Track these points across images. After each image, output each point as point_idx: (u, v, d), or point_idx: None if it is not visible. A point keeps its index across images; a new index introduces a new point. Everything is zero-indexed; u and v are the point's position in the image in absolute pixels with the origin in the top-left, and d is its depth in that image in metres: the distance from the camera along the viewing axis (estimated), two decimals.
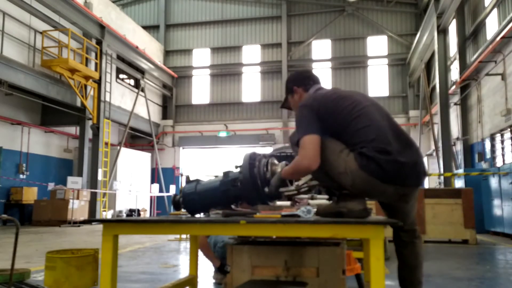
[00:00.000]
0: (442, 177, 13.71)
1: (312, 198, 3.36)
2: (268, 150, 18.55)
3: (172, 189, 19.26)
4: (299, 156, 2.12)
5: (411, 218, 2.43)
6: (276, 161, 2.45)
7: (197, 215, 2.53)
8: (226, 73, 21.50)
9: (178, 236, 8.93)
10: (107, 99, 15.75)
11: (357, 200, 2.10)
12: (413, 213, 2.43)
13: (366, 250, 2.03)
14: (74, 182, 13.27)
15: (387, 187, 2.09)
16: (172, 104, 21.62)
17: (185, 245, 7.69)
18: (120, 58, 17.70)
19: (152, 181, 19.69)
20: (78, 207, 13.45)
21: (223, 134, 20.55)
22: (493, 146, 12.35)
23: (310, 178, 2.36)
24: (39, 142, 15.08)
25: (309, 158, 2.09)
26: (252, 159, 2.39)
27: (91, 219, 14.21)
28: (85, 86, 14.57)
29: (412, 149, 2.17)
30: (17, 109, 13.89)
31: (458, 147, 14.73)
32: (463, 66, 14.02)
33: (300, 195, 2.58)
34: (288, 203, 2.73)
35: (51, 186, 14.06)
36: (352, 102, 2.23)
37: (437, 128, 14.80)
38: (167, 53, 22.17)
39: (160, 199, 19.37)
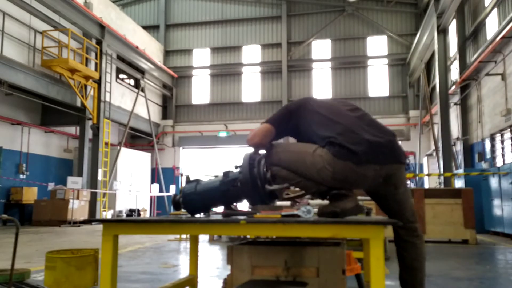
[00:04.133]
0: (442, 177, 13.70)
1: (312, 198, 3.36)
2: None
3: (172, 189, 19.26)
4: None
5: (408, 211, 2.40)
6: None
7: (197, 215, 2.53)
8: (226, 73, 21.51)
9: (178, 236, 8.93)
10: (107, 99, 15.75)
11: (349, 198, 2.11)
12: (408, 204, 2.40)
13: (366, 250, 2.03)
14: (74, 182, 13.27)
15: (366, 170, 2.10)
16: (172, 104, 21.63)
17: (185, 245, 7.69)
18: (120, 58, 17.70)
19: (152, 181, 19.70)
20: (78, 207, 13.45)
21: (223, 134, 20.55)
22: (493, 146, 12.35)
23: (302, 192, 2.41)
24: (39, 142, 15.08)
25: (250, 136, 2.35)
26: (252, 159, 2.39)
27: (91, 219, 14.11)
28: (85, 86, 14.58)
29: (384, 131, 2.23)
30: (17, 109, 13.89)
31: (458, 147, 14.73)
32: (463, 66, 14.02)
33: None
34: (288, 203, 2.73)
35: (51, 186, 14.06)
36: (321, 104, 2.36)
37: (437, 128, 14.80)
38: (167, 53, 22.17)
39: (160, 199, 19.37)
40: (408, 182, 12.66)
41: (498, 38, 10.85)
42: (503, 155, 11.69)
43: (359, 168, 2.09)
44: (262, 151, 2.35)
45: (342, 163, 2.08)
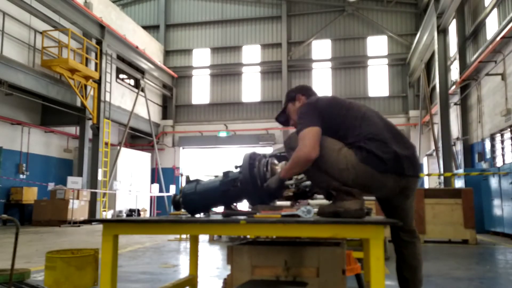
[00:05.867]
0: (442, 177, 13.71)
1: (312, 198, 3.36)
2: (268, 150, 18.54)
3: (172, 189, 19.26)
4: (298, 147, 2.15)
5: (411, 217, 2.45)
6: (276, 161, 2.45)
7: (197, 215, 2.53)
8: (226, 73, 21.51)
9: (178, 236, 8.93)
10: (107, 99, 15.75)
11: (354, 200, 2.11)
12: (412, 211, 2.45)
13: (366, 250, 2.03)
14: (74, 182, 13.27)
15: (387, 179, 2.14)
16: (172, 104, 21.63)
17: (185, 245, 7.69)
18: (120, 58, 17.70)
19: (152, 181, 19.70)
20: (78, 207, 13.45)
21: (223, 134, 20.55)
22: (493, 146, 12.35)
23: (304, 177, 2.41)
24: (39, 142, 15.08)
25: (308, 147, 2.11)
26: (252, 159, 2.39)
27: (91, 219, 14.22)
28: (85, 86, 14.57)
29: (407, 143, 2.27)
30: (17, 109, 13.89)
31: (458, 147, 14.73)
32: (463, 66, 14.02)
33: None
34: (288, 203, 2.73)
35: (51, 186, 14.06)
36: (350, 104, 2.34)
37: (437, 128, 14.80)
38: (167, 53, 22.18)
39: (160, 199, 19.37)
40: None
41: (498, 38, 10.84)
42: (503, 155, 11.68)
43: (382, 177, 2.12)
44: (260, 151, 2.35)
45: (367, 168, 2.10)
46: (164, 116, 21.71)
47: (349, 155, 2.12)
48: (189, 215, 2.54)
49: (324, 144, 2.16)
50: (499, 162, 11.81)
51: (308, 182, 2.43)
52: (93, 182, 14.73)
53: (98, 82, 15.16)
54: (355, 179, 2.12)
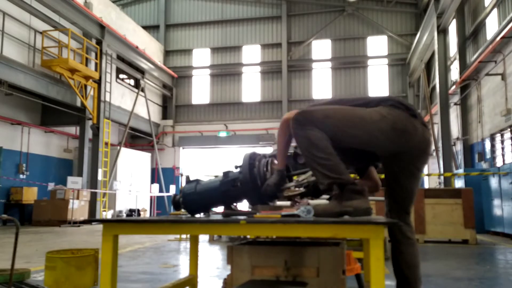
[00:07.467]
0: (442, 177, 13.71)
1: (312, 198, 3.35)
2: (268, 150, 18.54)
3: (172, 189, 19.26)
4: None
5: (411, 201, 2.42)
6: (276, 161, 2.44)
7: (197, 215, 2.53)
8: (226, 73, 21.51)
9: (178, 236, 8.93)
10: (107, 99, 15.75)
11: (362, 199, 2.08)
12: (414, 195, 2.41)
13: (366, 250, 2.03)
14: (74, 182, 13.27)
15: (417, 123, 2.20)
16: (172, 104, 21.64)
17: (185, 245, 7.69)
18: (120, 58, 17.70)
19: (152, 181, 19.69)
20: (78, 207, 13.45)
21: (223, 134, 20.55)
22: (493, 146, 12.35)
23: (311, 174, 2.37)
24: (39, 142, 15.08)
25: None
26: (252, 159, 2.39)
27: (91, 219, 14.22)
28: (85, 86, 14.57)
29: None
30: (17, 109, 13.89)
31: (458, 147, 14.73)
32: (463, 66, 14.03)
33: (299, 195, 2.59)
34: (288, 203, 2.73)
35: (51, 186, 14.06)
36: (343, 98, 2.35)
37: (437, 128, 14.80)
38: (167, 53, 22.18)
39: (160, 199, 19.37)
40: None
41: (498, 38, 10.85)
42: (503, 155, 11.69)
43: (414, 120, 2.18)
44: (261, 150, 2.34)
45: (400, 112, 2.16)
46: (164, 116, 21.71)
47: (379, 109, 2.17)
48: (189, 215, 2.54)
49: (350, 111, 2.17)
50: (499, 162, 11.81)
51: (312, 178, 2.40)
52: (93, 182, 14.73)
53: (98, 82, 15.16)
54: (394, 125, 2.12)
